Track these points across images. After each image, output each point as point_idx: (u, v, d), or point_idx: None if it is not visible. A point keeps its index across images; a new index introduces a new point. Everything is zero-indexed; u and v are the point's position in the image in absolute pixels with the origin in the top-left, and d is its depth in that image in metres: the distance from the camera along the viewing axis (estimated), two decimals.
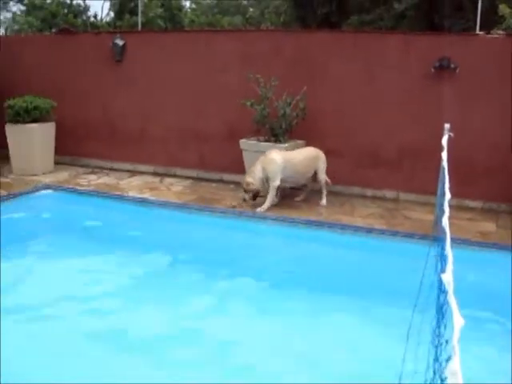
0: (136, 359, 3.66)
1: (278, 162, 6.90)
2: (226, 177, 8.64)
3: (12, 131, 8.88)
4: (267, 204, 6.97)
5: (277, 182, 6.94)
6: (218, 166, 8.70)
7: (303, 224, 6.53)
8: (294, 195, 7.64)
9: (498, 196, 7.39)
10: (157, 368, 3.54)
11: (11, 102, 8.78)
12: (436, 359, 2.10)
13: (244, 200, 7.09)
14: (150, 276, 5.16)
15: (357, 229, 6.31)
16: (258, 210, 6.93)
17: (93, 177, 8.99)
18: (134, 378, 3.35)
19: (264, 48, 8.40)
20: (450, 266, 2.26)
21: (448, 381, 1.43)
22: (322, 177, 7.40)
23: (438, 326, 2.33)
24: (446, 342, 1.92)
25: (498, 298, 4.43)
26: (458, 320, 1.74)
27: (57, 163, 9.39)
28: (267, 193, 7.05)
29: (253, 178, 6.91)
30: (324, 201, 7.41)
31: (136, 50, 9.31)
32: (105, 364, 3.57)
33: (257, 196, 7.07)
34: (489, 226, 6.67)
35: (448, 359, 1.73)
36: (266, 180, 6.94)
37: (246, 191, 7.00)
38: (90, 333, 3.97)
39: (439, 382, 1.80)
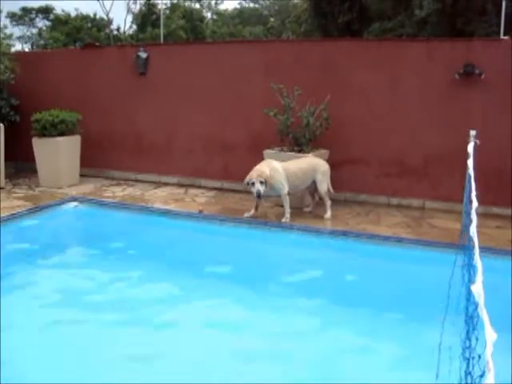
0: None
1: (280, 170, 6.88)
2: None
3: (39, 144, 9.03)
4: (288, 211, 6.95)
5: (286, 190, 6.91)
6: (242, 176, 8.68)
7: (329, 234, 6.49)
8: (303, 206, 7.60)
9: None
10: None
11: (38, 116, 8.94)
12: (468, 373, 2.05)
13: (255, 193, 6.72)
14: (181, 289, 5.16)
15: (383, 238, 6.25)
16: (283, 220, 6.91)
17: (118, 189, 9.08)
18: None
19: (287, 58, 8.42)
20: (479, 277, 2.22)
21: None
22: (322, 188, 7.15)
23: (469, 339, 2.28)
24: (479, 356, 1.88)
25: None
26: (490, 334, 1.71)
27: (82, 175, 9.52)
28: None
29: (267, 174, 6.76)
30: (329, 214, 7.18)
31: (159, 62, 9.42)
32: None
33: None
34: None
35: (482, 375, 1.70)
36: (268, 188, 6.77)
37: (261, 183, 6.69)
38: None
39: None
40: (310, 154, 7.47)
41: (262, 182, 6.68)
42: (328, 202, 7.23)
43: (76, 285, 5.15)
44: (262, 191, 6.68)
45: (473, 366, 2.01)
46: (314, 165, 7.16)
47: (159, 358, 3.80)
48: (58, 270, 5.61)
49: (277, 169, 6.87)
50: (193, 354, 3.85)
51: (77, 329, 4.22)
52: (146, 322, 4.37)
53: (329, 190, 7.25)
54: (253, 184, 6.71)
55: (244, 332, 4.27)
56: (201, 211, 7.22)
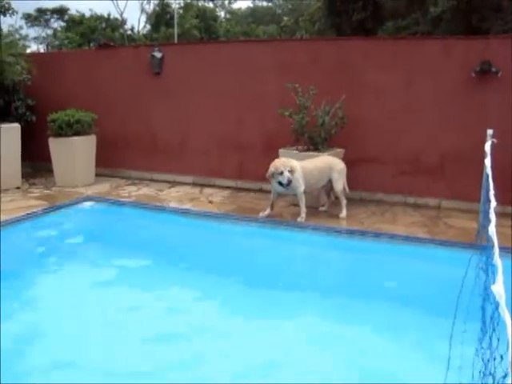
0: None
1: (298, 168, 6.86)
2: (265, 186, 8.64)
3: (55, 144, 9.10)
4: (303, 211, 6.94)
5: (302, 188, 6.90)
6: (257, 175, 8.71)
7: (345, 233, 6.47)
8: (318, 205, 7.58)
9: None
10: None
11: (54, 116, 9.01)
12: (490, 374, 2.04)
13: (281, 183, 6.70)
14: (197, 287, 5.17)
15: (400, 238, 6.22)
16: (299, 219, 6.90)
17: (133, 188, 9.13)
18: None
19: (302, 57, 8.41)
20: (500, 277, 2.20)
21: None
22: (338, 187, 7.13)
23: (490, 338, 2.27)
24: (502, 357, 1.86)
25: None
26: None
27: (97, 175, 9.59)
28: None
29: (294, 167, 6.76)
30: (344, 213, 7.15)
31: (174, 61, 9.44)
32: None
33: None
34: None
35: (505, 376, 1.69)
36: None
37: (288, 171, 6.65)
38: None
39: None
40: (326, 154, 7.44)
41: (289, 171, 6.66)
42: (343, 201, 7.20)
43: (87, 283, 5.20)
44: (291, 178, 6.65)
45: (494, 368, 2.00)
46: (330, 163, 7.14)
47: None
48: (75, 268, 5.66)
49: (296, 166, 6.86)
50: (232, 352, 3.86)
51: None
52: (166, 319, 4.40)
53: (344, 189, 7.23)
54: (280, 173, 6.68)
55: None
56: (210, 202, 7.21)
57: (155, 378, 3.46)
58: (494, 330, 2.18)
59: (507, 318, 1.84)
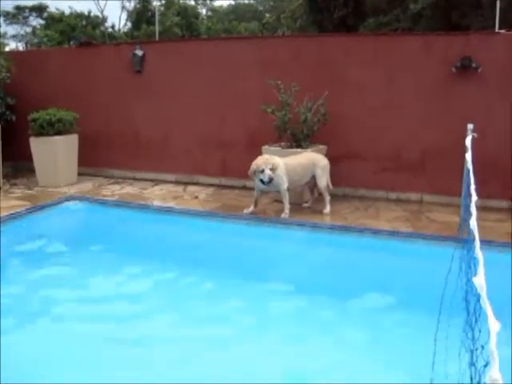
0: None
1: (281, 165, 6.89)
2: (249, 183, 8.64)
3: (36, 144, 9.02)
4: (287, 207, 6.97)
5: (286, 185, 6.93)
6: (240, 172, 8.69)
7: (328, 229, 6.51)
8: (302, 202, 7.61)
9: None
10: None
11: (35, 115, 8.93)
12: (472, 364, 2.07)
13: (262, 181, 6.74)
14: (179, 286, 5.17)
15: (385, 233, 6.27)
16: (283, 216, 6.93)
17: (116, 187, 9.09)
18: None
19: (284, 54, 8.43)
20: (481, 269, 2.24)
21: None
22: (322, 183, 7.18)
23: (472, 330, 2.30)
24: (482, 347, 1.90)
25: None
26: (493, 325, 1.73)
27: (80, 174, 9.52)
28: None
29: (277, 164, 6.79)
30: (328, 209, 7.19)
31: (155, 59, 9.41)
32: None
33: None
34: None
35: (486, 365, 1.72)
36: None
37: (269, 169, 6.69)
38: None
39: None
40: (309, 150, 7.48)
41: (271, 169, 6.68)
42: (327, 198, 7.24)
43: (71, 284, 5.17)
44: (272, 176, 6.67)
45: (476, 357, 2.03)
46: (313, 160, 7.18)
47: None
48: (58, 268, 5.62)
49: (278, 163, 6.88)
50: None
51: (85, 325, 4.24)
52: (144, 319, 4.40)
53: (328, 185, 7.27)
54: (262, 171, 6.69)
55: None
56: (196, 197, 7.21)
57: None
58: (476, 321, 2.22)
59: (488, 309, 1.87)
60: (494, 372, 1.47)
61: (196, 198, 7.32)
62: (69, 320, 4.38)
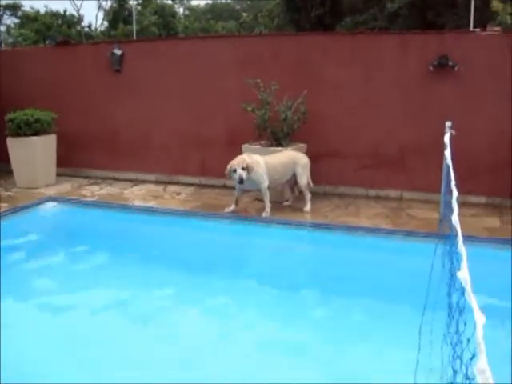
0: None
1: (261, 164, 6.92)
2: (229, 182, 8.63)
3: (13, 144, 8.90)
4: (268, 206, 6.99)
5: (266, 183, 6.96)
6: (220, 172, 8.66)
7: (310, 227, 6.55)
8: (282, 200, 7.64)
9: (502, 191, 7.42)
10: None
11: (12, 115, 8.81)
12: (458, 357, 2.11)
13: (235, 179, 6.73)
14: (162, 285, 5.16)
15: (363, 229, 6.33)
16: (264, 214, 6.95)
17: (96, 187, 9.02)
18: None
19: (263, 53, 8.45)
20: (465, 264, 2.28)
21: (477, 379, 1.45)
22: (302, 181, 7.21)
23: (457, 324, 2.35)
24: (468, 340, 1.93)
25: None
26: (479, 317, 1.77)
27: (59, 175, 9.42)
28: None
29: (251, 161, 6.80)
30: (308, 207, 7.23)
31: (134, 58, 9.35)
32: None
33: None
34: (493, 222, 6.70)
35: (472, 357, 1.75)
36: (249, 181, 6.80)
37: (244, 169, 6.67)
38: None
39: (466, 381, 1.81)
40: (289, 148, 7.51)
41: (243, 168, 6.66)
42: (308, 196, 7.28)
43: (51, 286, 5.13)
44: (244, 176, 6.65)
45: (462, 350, 2.07)
46: (294, 158, 7.21)
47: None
48: (39, 271, 5.57)
49: (258, 162, 6.90)
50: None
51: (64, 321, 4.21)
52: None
53: (308, 183, 7.31)
54: (234, 171, 6.70)
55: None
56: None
57: None
58: (460, 314, 2.26)
59: (473, 302, 1.91)
60: (482, 363, 1.50)
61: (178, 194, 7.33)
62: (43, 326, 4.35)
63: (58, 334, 4.12)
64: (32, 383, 3.39)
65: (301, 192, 7.38)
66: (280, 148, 7.53)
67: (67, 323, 4.33)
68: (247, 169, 6.68)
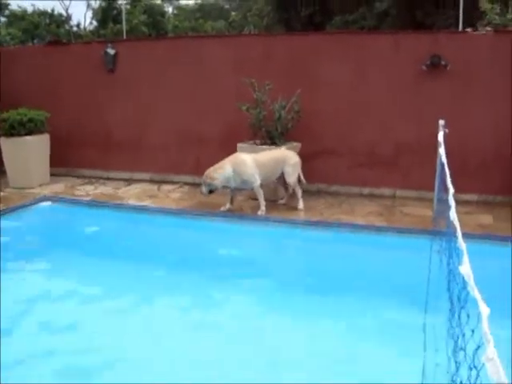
0: None
1: (249, 163, 6.97)
2: None
3: (7, 144, 8.88)
4: (263, 204, 7.05)
5: (258, 182, 7.01)
6: None
7: (304, 225, 6.61)
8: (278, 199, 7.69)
9: (493, 188, 7.53)
10: None
11: (5, 115, 8.78)
12: (462, 349, 2.18)
13: (201, 192, 7.13)
14: (157, 285, 5.19)
15: (357, 227, 6.40)
16: (259, 212, 7.00)
17: (90, 187, 9.02)
18: None
19: (258, 52, 8.49)
20: (466, 258, 2.35)
21: (487, 368, 1.51)
22: (291, 180, 7.22)
23: (459, 317, 2.41)
24: (473, 331, 2.00)
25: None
26: (484, 309, 1.83)
27: (52, 175, 9.39)
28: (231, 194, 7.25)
29: (220, 174, 6.92)
30: (301, 205, 7.25)
31: (128, 58, 9.36)
32: None
33: (212, 192, 7.12)
34: (486, 219, 6.80)
35: (478, 348, 1.82)
36: (238, 182, 6.96)
37: (205, 184, 6.97)
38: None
39: (472, 370, 1.87)
40: (283, 147, 7.56)
41: (205, 183, 6.97)
42: (299, 193, 7.32)
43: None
44: (204, 192, 7.06)
45: (465, 343, 2.14)
46: (284, 156, 7.24)
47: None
48: (36, 271, 5.59)
49: (244, 161, 6.97)
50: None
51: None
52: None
53: (300, 181, 7.34)
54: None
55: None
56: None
57: None
58: (462, 307, 2.32)
59: (477, 295, 1.98)
60: (490, 351, 1.57)
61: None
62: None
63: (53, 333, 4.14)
64: (32, 383, 3.41)
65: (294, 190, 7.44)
66: (274, 147, 7.58)
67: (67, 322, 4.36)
68: (209, 182, 6.93)
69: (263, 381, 3.33)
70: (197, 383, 3.40)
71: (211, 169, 7.00)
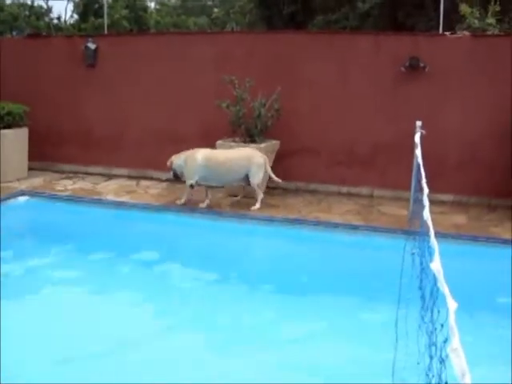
0: None
1: (197, 161, 7.07)
2: None
3: None
4: (183, 197, 7.32)
5: (189, 181, 7.17)
6: None
7: (281, 222, 6.66)
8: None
9: (468, 189, 7.67)
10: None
11: None
12: (433, 344, 2.24)
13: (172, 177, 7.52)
14: (137, 280, 5.21)
15: (335, 225, 6.47)
16: (201, 205, 7.21)
17: (68, 182, 8.96)
18: None
19: (239, 49, 8.52)
20: (437, 256, 2.42)
21: (451, 358, 1.57)
22: (254, 181, 7.08)
23: (432, 313, 2.48)
24: (442, 325, 2.06)
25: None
26: (451, 303, 1.90)
27: (31, 169, 9.30)
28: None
29: (177, 160, 7.27)
30: (257, 206, 7.14)
31: (109, 53, 9.31)
32: None
33: (178, 178, 7.42)
34: (460, 219, 6.92)
35: (445, 341, 1.88)
36: (182, 173, 7.25)
37: (168, 167, 7.40)
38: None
39: (439, 363, 1.94)
40: (262, 145, 7.60)
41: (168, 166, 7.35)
42: (260, 195, 7.22)
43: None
44: (170, 176, 7.52)
45: (436, 337, 2.20)
46: (248, 157, 7.11)
47: None
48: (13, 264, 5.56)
49: (195, 158, 7.12)
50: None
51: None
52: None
53: (272, 179, 7.30)
54: None
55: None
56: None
57: None
58: (434, 303, 2.39)
59: (446, 290, 2.04)
60: (455, 342, 1.63)
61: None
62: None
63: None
64: (32, 383, 3.41)
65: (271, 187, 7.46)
66: (253, 145, 7.61)
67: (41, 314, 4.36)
68: (170, 161, 7.32)
69: None
70: (197, 383, 3.42)
71: (176, 154, 7.28)
